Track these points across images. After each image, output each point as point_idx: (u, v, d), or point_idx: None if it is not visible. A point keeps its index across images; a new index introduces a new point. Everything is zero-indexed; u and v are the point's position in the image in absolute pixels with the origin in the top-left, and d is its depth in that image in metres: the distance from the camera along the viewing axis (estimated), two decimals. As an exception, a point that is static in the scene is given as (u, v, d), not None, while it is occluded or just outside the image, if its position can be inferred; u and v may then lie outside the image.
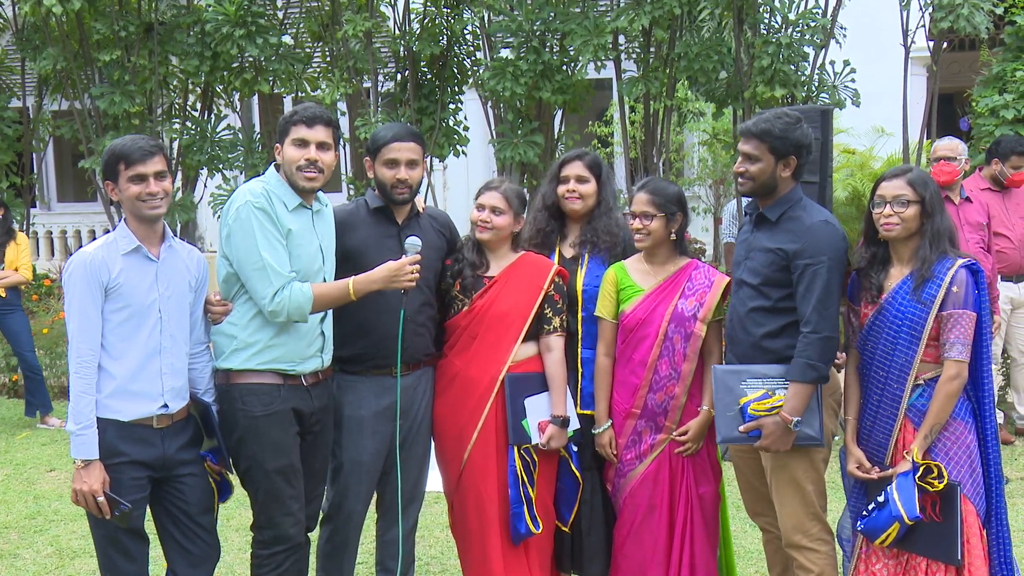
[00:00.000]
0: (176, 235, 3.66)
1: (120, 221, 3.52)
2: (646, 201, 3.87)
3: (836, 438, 3.94)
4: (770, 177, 3.63)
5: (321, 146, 3.61)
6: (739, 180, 3.71)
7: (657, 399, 3.91)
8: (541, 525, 3.92)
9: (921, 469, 3.34)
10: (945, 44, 8.42)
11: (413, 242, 3.69)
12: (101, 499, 3.28)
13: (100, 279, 3.33)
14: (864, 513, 3.47)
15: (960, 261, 3.38)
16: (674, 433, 3.90)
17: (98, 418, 3.31)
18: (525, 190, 4.17)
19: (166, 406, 3.44)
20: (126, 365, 3.37)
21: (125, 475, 3.35)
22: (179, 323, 3.50)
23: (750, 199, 3.83)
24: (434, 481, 4.21)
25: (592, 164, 4.13)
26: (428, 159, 8.70)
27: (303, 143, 3.59)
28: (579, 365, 4.06)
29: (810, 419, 3.58)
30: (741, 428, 3.63)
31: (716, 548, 4.05)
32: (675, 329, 3.88)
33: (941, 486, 3.32)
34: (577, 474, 4.03)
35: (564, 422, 3.93)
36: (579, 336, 4.06)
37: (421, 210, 4.07)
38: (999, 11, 8.13)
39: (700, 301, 3.89)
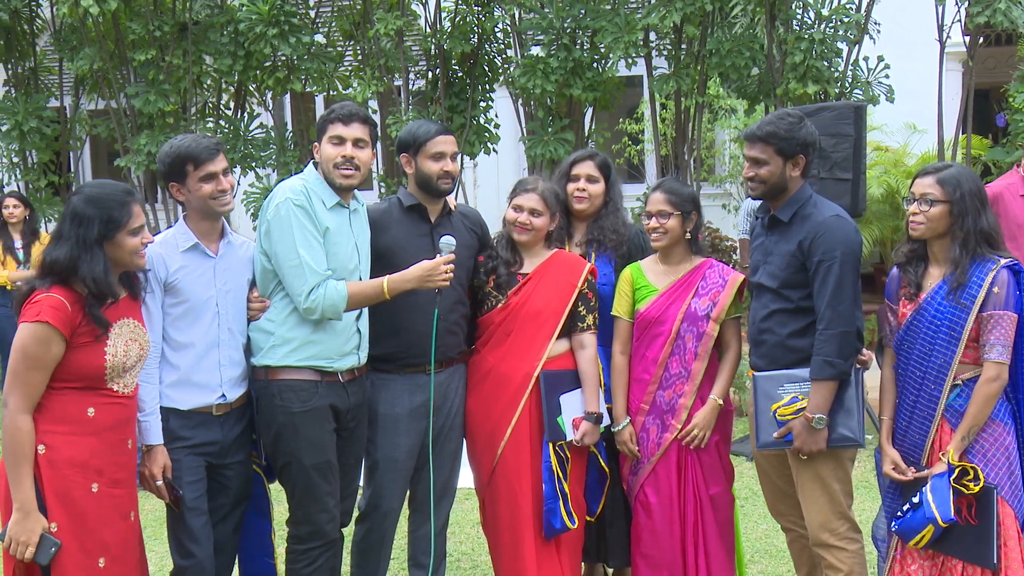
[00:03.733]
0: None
1: (179, 218, 3.58)
2: (662, 200, 3.89)
3: (869, 437, 3.90)
4: (780, 178, 3.63)
5: (357, 143, 3.64)
6: (750, 185, 3.71)
7: (666, 397, 3.92)
8: (576, 520, 3.92)
9: (957, 471, 3.29)
10: (981, 39, 8.30)
11: (448, 241, 3.68)
12: (160, 483, 3.38)
13: (158, 275, 3.42)
14: (899, 514, 3.43)
15: (1002, 262, 3.33)
16: (680, 431, 3.90)
17: (161, 407, 3.43)
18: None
19: (224, 396, 3.52)
20: (186, 357, 3.47)
21: (185, 459, 3.46)
22: (236, 316, 3.58)
23: (760, 202, 3.82)
24: (465, 478, 4.21)
25: (602, 164, 4.17)
26: (459, 157, 8.71)
27: (340, 140, 3.62)
28: (597, 361, 4.05)
29: (846, 419, 3.56)
30: (775, 434, 3.64)
31: (732, 549, 4.05)
32: (687, 328, 3.89)
33: (977, 488, 3.27)
34: (605, 467, 4.05)
35: (598, 418, 3.94)
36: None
37: (453, 208, 4.07)
38: (1037, 5, 7.99)
39: (714, 300, 3.90)
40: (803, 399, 3.57)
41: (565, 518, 3.89)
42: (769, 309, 3.68)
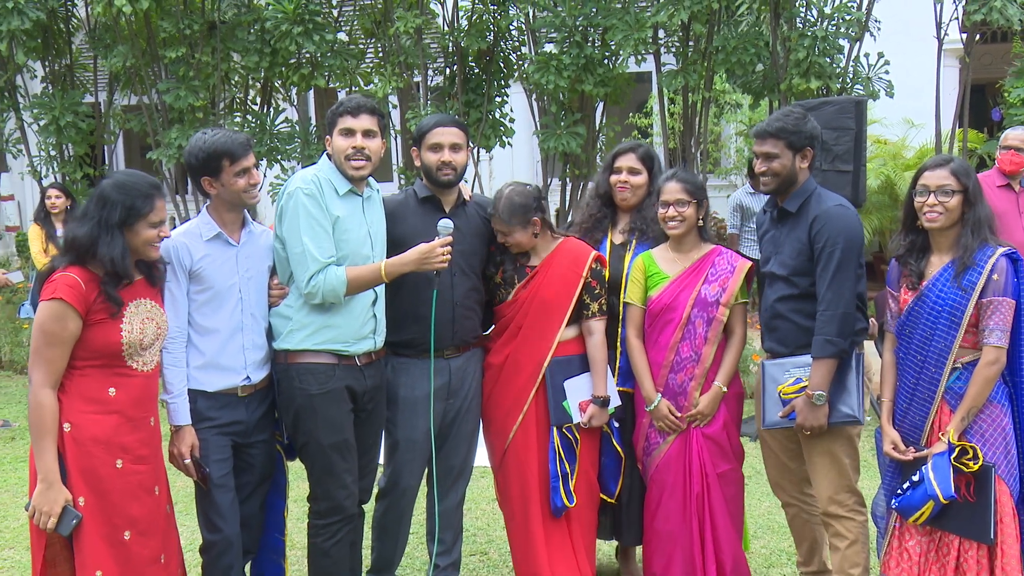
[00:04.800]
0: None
1: (202, 209, 3.57)
2: (680, 189, 3.87)
3: (868, 419, 3.88)
4: (791, 171, 3.67)
5: (367, 134, 3.61)
6: (762, 180, 3.74)
7: (678, 380, 3.90)
8: (575, 499, 3.93)
9: (957, 450, 3.26)
10: (978, 36, 8.22)
11: (445, 224, 3.65)
12: (188, 461, 3.39)
13: (183, 263, 3.40)
14: (899, 492, 3.40)
15: (1000, 249, 3.29)
16: (688, 413, 3.90)
17: (189, 389, 3.42)
18: (532, 185, 4.11)
19: (248, 378, 3.52)
20: (212, 342, 3.46)
21: (212, 439, 3.45)
22: (259, 302, 3.57)
23: (767, 197, 3.85)
24: (481, 456, 4.20)
25: (644, 157, 4.13)
26: (475, 150, 8.68)
27: (349, 132, 3.60)
28: (618, 343, 4.06)
29: (847, 398, 3.59)
30: (779, 413, 3.68)
31: (741, 524, 4.04)
32: (698, 313, 3.87)
33: (976, 467, 3.24)
34: (619, 449, 4.04)
35: (605, 402, 3.92)
36: (621, 317, 4.04)
37: (467, 198, 4.04)
38: (1032, 3, 7.91)
39: (723, 287, 3.87)
40: (806, 380, 3.60)
41: (564, 497, 3.90)
42: (781, 296, 3.70)
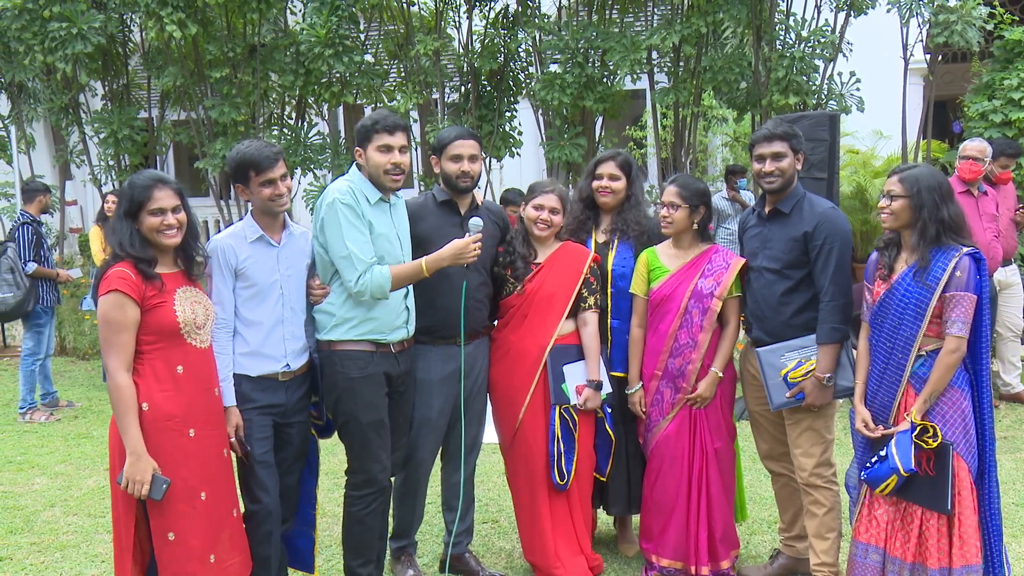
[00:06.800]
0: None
1: (247, 214, 3.58)
2: (674, 193, 3.87)
3: (841, 401, 3.86)
4: (794, 170, 3.70)
5: (402, 150, 3.61)
6: (768, 180, 3.71)
7: (676, 364, 3.89)
8: (568, 477, 3.93)
9: (918, 429, 3.25)
10: (940, 56, 8.18)
11: (476, 222, 3.64)
12: (233, 440, 3.40)
13: (229, 262, 3.41)
14: (868, 465, 3.38)
15: (964, 249, 3.27)
16: (688, 395, 3.90)
17: (235, 373, 3.43)
18: (569, 187, 4.16)
19: (288, 365, 3.52)
20: (256, 333, 3.46)
21: (256, 419, 3.46)
22: (298, 297, 3.57)
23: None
24: (490, 434, 4.20)
25: (623, 164, 4.10)
26: (487, 159, 8.68)
27: (388, 149, 3.57)
28: (608, 334, 4.04)
29: (844, 373, 3.65)
30: (787, 394, 3.70)
31: (732, 495, 4.04)
32: (694, 304, 3.86)
33: (935, 444, 3.22)
34: (610, 433, 4.04)
35: (598, 385, 3.92)
36: (609, 309, 4.04)
37: (479, 203, 4.04)
38: (989, 27, 7.90)
39: (717, 281, 3.86)
40: (807, 363, 3.64)
41: (556, 474, 3.91)
42: (772, 288, 3.72)
